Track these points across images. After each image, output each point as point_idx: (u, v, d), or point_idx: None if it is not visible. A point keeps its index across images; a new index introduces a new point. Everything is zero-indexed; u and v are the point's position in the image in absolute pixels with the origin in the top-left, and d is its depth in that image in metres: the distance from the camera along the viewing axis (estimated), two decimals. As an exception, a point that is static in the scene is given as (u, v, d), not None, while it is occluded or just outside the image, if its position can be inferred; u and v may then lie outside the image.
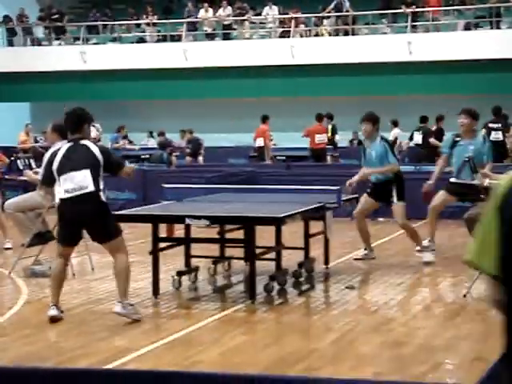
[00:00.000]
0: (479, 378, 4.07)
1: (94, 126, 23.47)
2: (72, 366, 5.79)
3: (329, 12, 24.75)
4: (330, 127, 20.84)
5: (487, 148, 9.83)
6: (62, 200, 7.16)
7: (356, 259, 10.24)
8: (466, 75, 22.83)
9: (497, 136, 16.98)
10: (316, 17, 25.21)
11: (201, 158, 21.66)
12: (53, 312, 7.18)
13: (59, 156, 7.26)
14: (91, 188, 7.15)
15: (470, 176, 9.44)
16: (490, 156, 9.78)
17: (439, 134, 18.05)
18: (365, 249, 10.31)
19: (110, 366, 5.83)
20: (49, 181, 7.38)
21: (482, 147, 9.75)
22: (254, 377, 2.85)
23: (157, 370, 3.06)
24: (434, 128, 18.66)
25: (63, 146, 7.38)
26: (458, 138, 9.92)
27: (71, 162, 7.17)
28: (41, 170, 9.49)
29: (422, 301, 7.97)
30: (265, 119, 20.61)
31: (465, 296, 7.95)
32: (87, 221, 7.18)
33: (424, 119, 18.67)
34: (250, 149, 22.46)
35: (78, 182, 7.12)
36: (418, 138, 18.31)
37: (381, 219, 12.85)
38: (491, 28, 23.45)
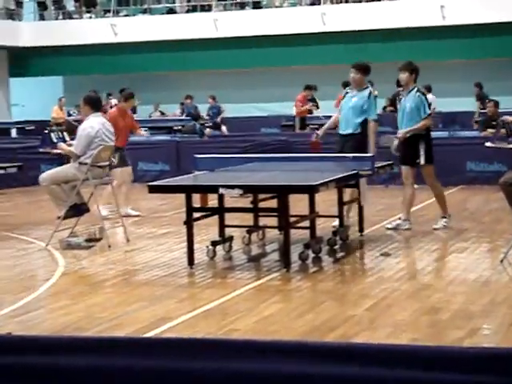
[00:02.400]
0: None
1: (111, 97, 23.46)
2: (109, 335, 5.84)
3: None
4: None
5: (370, 103, 9.88)
6: None
7: (388, 228, 10.06)
8: (499, 38, 22.47)
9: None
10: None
11: (224, 128, 21.59)
12: None
13: None
14: None
15: (347, 128, 9.78)
16: (372, 112, 9.86)
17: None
18: (399, 218, 10.14)
19: (147, 336, 5.87)
20: None
21: (364, 102, 9.84)
22: (292, 343, 2.84)
23: (194, 338, 3.07)
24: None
25: None
26: (348, 90, 10.20)
27: None
28: (74, 142, 9.56)
29: (458, 267, 7.91)
30: (305, 88, 20.57)
31: (501, 261, 7.88)
32: None
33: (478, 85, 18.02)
34: (282, 118, 22.39)
35: None
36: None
37: (416, 186, 12.74)
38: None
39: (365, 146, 9.73)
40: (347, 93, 10.21)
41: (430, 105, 10.32)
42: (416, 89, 9.93)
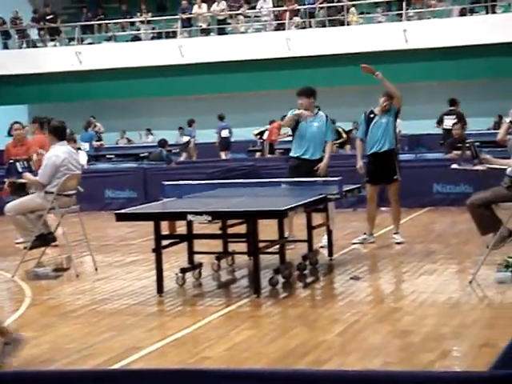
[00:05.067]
0: (488, 364, 4.04)
1: (95, 124, 23.43)
2: (78, 367, 5.76)
3: (322, 3, 24.67)
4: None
5: (329, 125, 10.26)
6: None
7: (354, 243, 10.40)
8: (462, 61, 22.77)
9: (449, 124, 16.84)
10: (310, 8, 25.11)
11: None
12: None
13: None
14: None
15: (315, 154, 10.04)
16: (331, 134, 10.33)
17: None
18: (364, 233, 10.53)
19: (116, 366, 5.80)
20: None
21: (323, 125, 10.13)
22: (263, 372, 2.81)
23: (164, 369, 3.03)
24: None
25: None
26: (371, 115, 10.49)
27: None
28: (40, 171, 9.46)
29: (427, 289, 7.92)
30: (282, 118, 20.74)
31: (470, 283, 7.91)
32: None
33: (453, 102, 17.91)
34: (250, 143, 22.44)
35: None
36: (449, 122, 17.08)
37: (383, 208, 12.81)
38: (486, 13, 23.38)
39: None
40: (373, 115, 10.41)
41: (395, 129, 10.62)
42: (325, 114, 10.29)
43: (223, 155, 22.31)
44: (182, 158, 21.82)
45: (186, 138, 23.04)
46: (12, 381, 2.82)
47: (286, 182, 9.80)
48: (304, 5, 25.19)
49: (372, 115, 10.49)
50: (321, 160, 10.11)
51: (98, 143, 22.96)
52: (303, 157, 10.12)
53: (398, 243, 10.37)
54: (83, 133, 22.72)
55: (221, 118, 23.17)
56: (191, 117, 24.13)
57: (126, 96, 26.05)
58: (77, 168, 9.58)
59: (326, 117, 10.26)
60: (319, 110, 10.26)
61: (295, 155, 10.19)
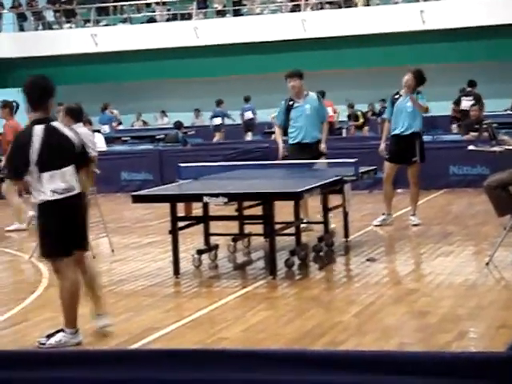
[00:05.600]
0: (505, 344, 4.03)
1: (112, 111, 23.49)
2: (95, 347, 5.80)
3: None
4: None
5: (322, 106, 10.20)
6: (48, 201, 5.80)
7: (375, 225, 10.39)
8: (480, 42, 22.61)
9: (466, 105, 16.75)
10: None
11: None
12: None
13: (36, 145, 5.76)
14: (78, 188, 5.94)
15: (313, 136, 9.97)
16: (325, 115, 10.25)
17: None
18: (383, 213, 10.51)
19: (135, 346, 5.84)
20: (21, 174, 5.91)
21: (318, 105, 10.07)
22: (280, 352, 2.82)
23: (182, 349, 3.04)
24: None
25: (36, 131, 5.81)
26: (290, 102, 10.16)
27: (54, 153, 5.80)
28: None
29: (444, 270, 7.91)
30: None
31: (487, 264, 7.89)
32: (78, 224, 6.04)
33: (472, 83, 17.84)
34: (265, 125, 22.41)
35: (69, 180, 5.86)
36: (466, 103, 16.94)
37: (399, 190, 12.79)
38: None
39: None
40: (292, 103, 10.12)
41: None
42: (316, 94, 10.33)
43: (249, 136, 22.38)
44: (216, 139, 21.95)
45: (217, 120, 23.03)
46: (31, 360, 2.85)
47: (301, 164, 9.75)
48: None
49: (397, 96, 10.41)
50: (319, 142, 10.04)
51: (116, 124, 23.05)
52: (303, 141, 10.05)
53: (415, 225, 10.34)
54: (101, 115, 22.79)
55: (246, 100, 23.16)
56: (206, 99, 24.11)
57: (142, 78, 26.05)
58: (93, 150, 9.59)
59: (318, 97, 10.20)
60: (308, 92, 10.12)
61: (294, 142, 10.08)
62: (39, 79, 6.24)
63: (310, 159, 9.69)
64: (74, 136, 6.00)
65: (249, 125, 22.81)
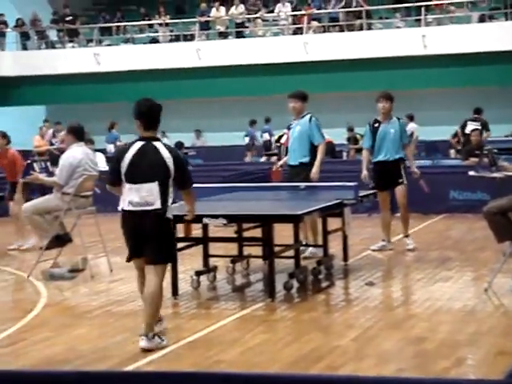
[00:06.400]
0: (503, 372, 4.02)
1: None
2: (92, 368, 5.78)
3: (342, 7, 24.64)
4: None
5: (312, 127, 10.03)
6: (124, 210, 6.43)
7: (374, 250, 10.36)
8: (481, 68, 22.68)
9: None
10: (329, 12, 25.09)
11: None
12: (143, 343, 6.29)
13: (128, 158, 6.35)
14: (158, 205, 6.31)
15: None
16: (317, 136, 10.01)
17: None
18: (383, 240, 10.49)
19: (130, 368, 5.81)
20: (116, 181, 6.47)
21: (307, 128, 9.98)
22: (277, 376, 2.81)
23: (178, 372, 3.03)
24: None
25: (135, 146, 6.40)
26: (376, 124, 10.40)
27: (139, 169, 6.30)
28: (58, 172, 9.48)
29: (443, 296, 7.89)
30: None
31: (486, 290, 7.87)
32: (146, 237, 6.40)
33: (478, 111, 18.00)
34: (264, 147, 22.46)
35: (144, 196, 6.29)
36: (472, 128, 16.62)
37: (398, 214, 12.79)
38: (506, 20, 23.27)
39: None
40: (290, 125, 10.27)
41: (412, 134, 10.66)
42: (395, 117, 10.49)
43: (248, 157, 22.38)
44: (247, 159, 21.97)
45: (247, 139, 23.17)
46: (26, 381, 2.83)
47: (302, 186, 9.75)
48: (321, 9, 25.18)
49: (377, 124, 10.46)
50: (302, 165, 9.94)
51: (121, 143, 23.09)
52: (289, 163, 10.12)
53: (411, 250, 10.31)
54: (108, 134, 22.87)
55: (266, 121, 23.15)
56: (208, 120, 24.13)
57: (144, 98, 26.02)
58: (94, 169, 9.61)
59: (310, 118, 10.04)
60: (307, 113, 10.09)
61: (288, 163, 10.16)
62: (157, 104, 6.71)
63: (297, 182, 9.68)
64: (171, 158, 6.33)
65: (266, 146, 22.78)
